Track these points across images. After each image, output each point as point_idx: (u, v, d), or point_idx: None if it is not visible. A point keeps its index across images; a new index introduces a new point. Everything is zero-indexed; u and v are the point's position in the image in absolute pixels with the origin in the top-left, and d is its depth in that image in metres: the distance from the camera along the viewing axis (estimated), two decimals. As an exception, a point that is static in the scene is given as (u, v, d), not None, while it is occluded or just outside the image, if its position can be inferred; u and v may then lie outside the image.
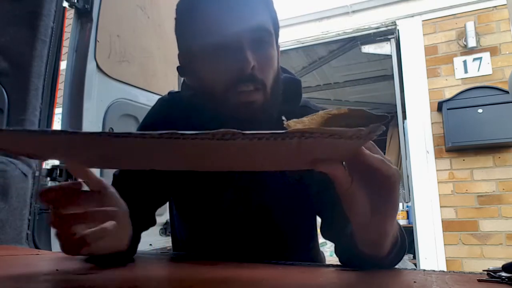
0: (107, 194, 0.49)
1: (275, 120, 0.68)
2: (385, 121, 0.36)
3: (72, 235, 0.42)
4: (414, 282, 0.44)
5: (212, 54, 0.65)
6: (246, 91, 0.64)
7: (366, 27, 3.41)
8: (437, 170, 2.94)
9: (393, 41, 3.31)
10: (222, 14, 0.64)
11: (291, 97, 0.75)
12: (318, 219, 0.80)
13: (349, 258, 0.57)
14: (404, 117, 3.16)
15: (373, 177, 0.42)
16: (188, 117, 0.74)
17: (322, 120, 0.38)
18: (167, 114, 0.79)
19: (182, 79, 0.80)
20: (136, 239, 0.63)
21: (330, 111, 0.37)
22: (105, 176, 1.24)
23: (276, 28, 0.71)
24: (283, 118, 0.40)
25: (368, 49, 3.41)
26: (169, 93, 0.83)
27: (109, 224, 0.45)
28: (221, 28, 0.64)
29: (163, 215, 1.64)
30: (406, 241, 0.57)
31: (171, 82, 1.80)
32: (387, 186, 0.43)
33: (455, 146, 2.82)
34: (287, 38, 3.57)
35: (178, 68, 0.74)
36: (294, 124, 0.39)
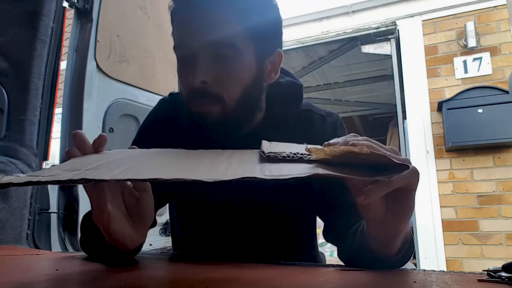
0: (142, 199, 0.52)
1: (268, 127, 0.70)
2: (405, 170, 0.38)
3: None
4: (414, 282, 0.44)
5: (178, 63, 0.68)
6: (198, 103, 0.66)
7: (366, 27, 3.41)
8: (437, 170, 2.94)
9: (393, 41, 3.31)
10: (188, 25, 0.65)
11: (291, 101, 0.75)
12: (319, 220, 0.80)
13: (357, 257, 0.57)
14: (404, 117, 3.16)
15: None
16: (185, 119, 0.74)
17: (342, 154, 0.39)
18: (167, 115, 0.79)
19: (177, 85, 0.82)
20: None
21: (352, 149, 0.38)
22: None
23: (256, 40, 0.67)
24: (306, 145, 0.42)
25: (368, 49, 3.41)
26: (170, 94, 0.84)
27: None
28: (184, 38, 0.66)
29: (163, 215, 1.64)
30: (413, 245, 0.57)
31: (171, 82, 1.80)
32: (403, 187, 0.43)
33: (455, 146, 2.82)
34: (287, 38, 3.57)
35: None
36: (315, 150, 0.40)
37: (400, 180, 0.40)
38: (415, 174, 0.42)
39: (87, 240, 0.65)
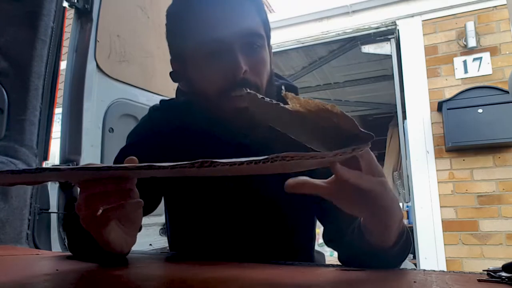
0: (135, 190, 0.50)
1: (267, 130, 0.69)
2: (370, 140, 0.38)
3: (95, 211, 0.44)
4: (414, 282, 0.44)
5: (204, 60, 0.65)
6: (240, 96, 0.63)
7: (366, 27, 3.41)
8: (437, 170, 2.94)
9: (393, 41, 3.31)
10: (213, 20, 0.64)
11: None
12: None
13: (356, 254, 0.57)
14: (404, 117, 3.16)
15: (356, 190, 0.43)
16: (183, 125, 0.74)
17: (316, 108, 0.38)
18: (159, 123, 0.78)
19: (177, 84, 0.79)
20: None
21: (325, 104, 0.38)
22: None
23: (268, 31, 0.71)
24: (283, 88, 0.41)
25: (368, 49, 3.40)
26: (161, 101, 0.82)
27: (129, 208, 0.49)
28: (212, 33, 0.64)
29: (162, 215, 1.64)
30: (411, 239, 0.58)
31: (171, 82, 1.79)
32: (372, 197, 0.44)
33: (455, 146, 2.82)
34: (287, 38, 3.57)
35: (171, 73, 0.74)
36: (292, 97, 0.39)
37: (347, 174, 0.41)
38: (367, 179, 0.43)
39: (77, 242, 0.64)
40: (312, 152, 0.35)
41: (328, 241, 0.72)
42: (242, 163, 0.35)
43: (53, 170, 0.36)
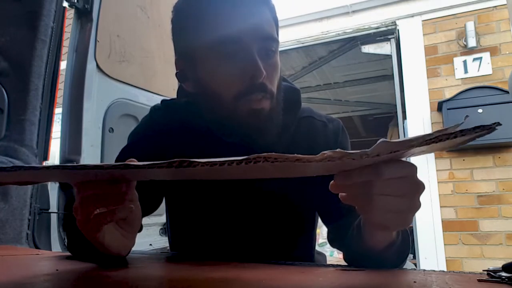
0: (134, 194, 0.50)
1: (280, 128, 0.69)
2: None
3: (89, 214, 0.44)
4: (414, 282, 0.44)
5: (219, 61, 0.64)
6: (256, 99, 0.63)
7: (366, 27, 3.41)
8: (437, 170, 2.94)
9: (393, 41, 3.31)
10: (230, 20, 0.63)
11: (290, 106, 0.74)
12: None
13: (355, 254, 0.57)
14: (404, 117, 3.16)
15: None
16: (184, 125, 0.73)
17: None
18: (160, 123, 0.77)
19: (177, 85, 0.78)
20: None
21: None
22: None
23: (278, 35, 0.70)
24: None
25: (368, 49, 3.40)
26: (162, 101, 0.82)
27: (124, 213, 0.47)
28: (230, 33, 0.62)
29: (163, 215, 1.64)
30: (409, 240, 0.58)
31: (171, 82, 1.80)
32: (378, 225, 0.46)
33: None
34: (287, 38, 3.57)
35: (177, 74, 0.72)
36: None
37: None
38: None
39: (76, 243, 0.63)
40: (297, 155, 0.33)
41: (332, 241, 0.72)
42: (223, 163, 0.33)
43: (29, 168, 0.35)
